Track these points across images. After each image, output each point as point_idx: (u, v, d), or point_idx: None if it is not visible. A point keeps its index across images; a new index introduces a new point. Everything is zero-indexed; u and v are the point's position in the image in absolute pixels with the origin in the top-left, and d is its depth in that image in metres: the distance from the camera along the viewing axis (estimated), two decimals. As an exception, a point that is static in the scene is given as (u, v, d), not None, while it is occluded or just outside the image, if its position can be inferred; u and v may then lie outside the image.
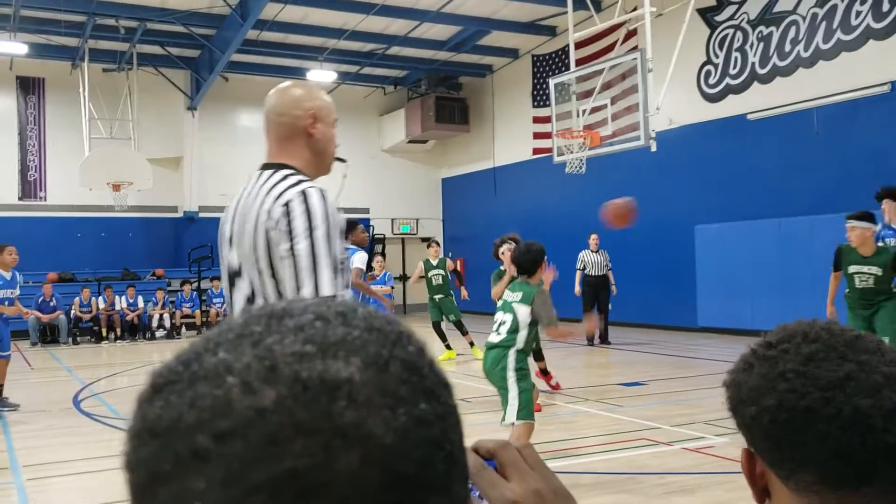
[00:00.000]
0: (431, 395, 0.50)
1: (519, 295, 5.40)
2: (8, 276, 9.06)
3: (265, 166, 2.52)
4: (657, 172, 15.80)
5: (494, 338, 5.42)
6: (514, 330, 5.34)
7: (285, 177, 2.44)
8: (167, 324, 18.02)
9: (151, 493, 0.47)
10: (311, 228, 2.30)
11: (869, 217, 6.88)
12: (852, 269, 6.98)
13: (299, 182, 2.41)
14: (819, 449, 0.95)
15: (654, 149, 11.76)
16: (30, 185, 20.07)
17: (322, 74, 20.33)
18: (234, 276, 2.44)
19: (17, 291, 9.25)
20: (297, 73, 20.90)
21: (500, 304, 5.59)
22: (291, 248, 2.30)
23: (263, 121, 2.56)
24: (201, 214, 21.41)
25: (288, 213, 2.32)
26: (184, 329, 18.25)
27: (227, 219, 2.52)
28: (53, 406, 9.23)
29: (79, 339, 17.28)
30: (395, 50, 19.96)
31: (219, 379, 0.47)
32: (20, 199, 19.92)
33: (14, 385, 9.65)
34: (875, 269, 6.84)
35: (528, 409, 5.33)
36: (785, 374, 0.98)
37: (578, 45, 13.69)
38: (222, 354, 0.49)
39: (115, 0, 16.64)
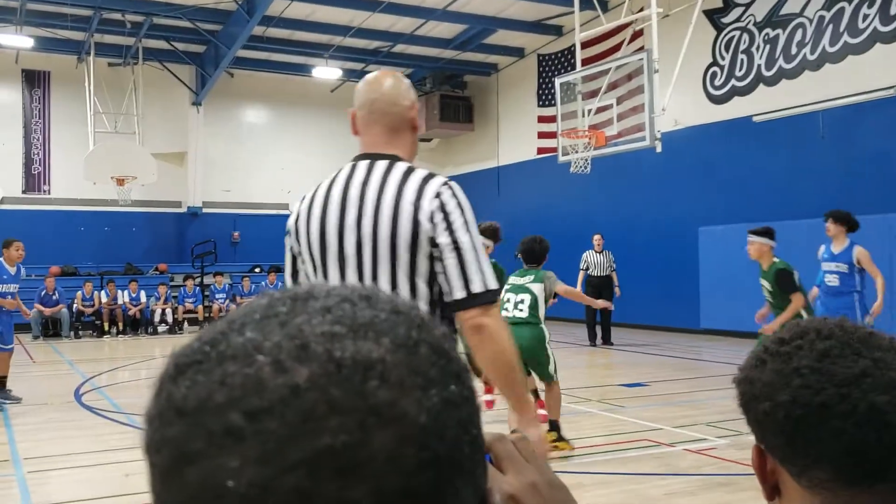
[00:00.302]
0: (458, 378, 0.51)
1: (530, 277, 6.41)
2: (12, 270, 9.07)
3: (375, 156, 2.42)
4: (662, 173, 15.78)
5: (518, 314, 6.29)
6: (534, 306, 6.30)
7: (410, 169, 2.37)
8: (169, 319, 18.03)
9: (178, 473, 0.46)
10: (466, 223, 2.28)
11: (768, 233, 7.30)
12: (761, 282, 7.28)
13: (432, 175, 2.36)
14: (833, 445, 0.94)
15: (659, 150, 11.74)
16: (34, 179, 20.10)
17: (327, 71, 20.33)
18: (343, 266, 2.35)
19: (18, 286, 9.28)
20: (302, 70, 20.92)
21: (506, 287, 6.47)
22: (454, 243, 2.25)
23: (364, 109, 2.45)
24: (205, 210, 21.43)
25: (442, 207, 2.27)
26: (186, 324, 18.26)
27: (330, 210, 2.38)
28: (55, 399, 9.24)
29: (81, 332, 17.30)
30: (400, 48, 19.96)
31: (248, 358, 0.47)
32: (24, 192, 19.96)
33: (16, 378, 9.65)
34: (767, 284, 7.15)
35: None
36: (800, 370, 0.97)
37: (584, 45, 13.66)
38: (250, 334, 0.48)
39: (121, -6, 16.68)
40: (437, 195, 2.29)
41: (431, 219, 2.27)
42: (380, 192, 2.33)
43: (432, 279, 2.30)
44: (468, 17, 17.97)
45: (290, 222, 2.49)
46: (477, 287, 2.25)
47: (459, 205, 2.31)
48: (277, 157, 22.03)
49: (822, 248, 8.31)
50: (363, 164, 2.42)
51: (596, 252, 13.89)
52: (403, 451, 0.46)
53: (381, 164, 2.39)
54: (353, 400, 0.45)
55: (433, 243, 2.27)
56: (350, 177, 2.41)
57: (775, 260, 7.20)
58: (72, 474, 6.13)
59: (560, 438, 6.31)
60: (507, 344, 2.26)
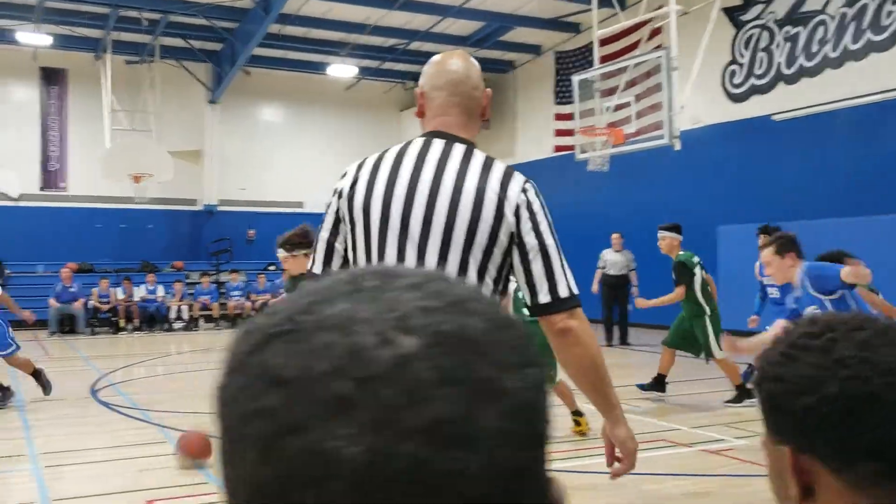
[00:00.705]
0: (538, 362, 0.51)
1: None
2: None
3: (451, 137, 2.30)
4: (680, 172, 15.67)
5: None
6: None
7: (491, 158, 2.29)
8: (185, 315, 18.08)
9: (278, 445, 0.44)
10: (550, 225, 2.23)
11: (676, 228, 8.66)
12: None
13: (513, 169, 2.28)
14: (881, 436, 0.92)
15: (677, 148, 11.64)
16: (51, 176, 20.19)
17: (343, 69, 20.35)
18: (402, 243, 2.22)
19: None
20: (318, 68, 20.93)
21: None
22: (541, 245, 2.20)
23: (443, 90, 2.32)
24: (220, 208, 21.47)
25: (529, 205, 2.21)
26: (201, 321, 18.32)
27: (399, 182, 2.24)
28: (71, 395, 9.25)
29: (97, 329, 17.37)
30: (416, 45, 19.91)
31: (347, 328, 0.46)
32: (41, 189, 20.05)
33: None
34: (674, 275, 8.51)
35: None
36: (844, 361, 0.94)
37: (602, 43, 13.57)
38: (343, 305, 0.47)
39: (138, -8, 16.72)
40: (524, 191, 2.22)
41: (517, 213, 2.20)
42: (460, 174, 2.22)
43: (499, 273, 2.24)
44: (485, 14, 17.92)
45: (344, 185, 2.33)
46: (563, 291, 2.22)
47: (543, 206, 2.25)
48: (293, 155, 22.04)
49: (758, 264, 8.76)
50: (439, 142, 2.29)
51: (614, 251, 13.79)
52: (512, 426, 0.46)
53: (460, 147, 2.28)
54: (460, 372, 0.45)
55: (512, 238, 2.21)
56: (424, 152, 2.28)
57: (680, 252, 8.61)
58: (87, 469, 6.13)
59: (579, 414, 6.84)
60: (593, 346, 2.25)
